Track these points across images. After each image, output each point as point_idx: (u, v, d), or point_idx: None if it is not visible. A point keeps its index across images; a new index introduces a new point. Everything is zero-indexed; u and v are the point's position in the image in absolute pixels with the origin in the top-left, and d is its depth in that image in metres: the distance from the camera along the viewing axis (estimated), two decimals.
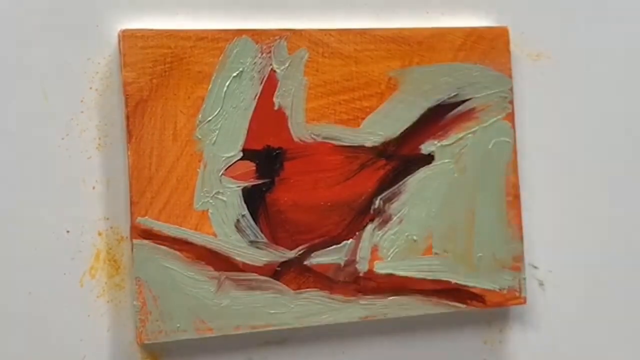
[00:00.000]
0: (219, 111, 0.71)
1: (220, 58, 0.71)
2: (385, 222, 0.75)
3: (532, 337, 0.82)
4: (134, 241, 0.69)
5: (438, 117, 0.77)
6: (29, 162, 0.69)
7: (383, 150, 0.75)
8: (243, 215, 0.71)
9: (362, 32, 0.75)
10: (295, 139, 0.73)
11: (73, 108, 0.70)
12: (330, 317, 0.73)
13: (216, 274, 0.71)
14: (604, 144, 0.84)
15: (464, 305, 0.77)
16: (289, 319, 0.72)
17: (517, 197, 0.79)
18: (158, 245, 0.69)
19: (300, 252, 0.73)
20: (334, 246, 0.74)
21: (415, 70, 0.75)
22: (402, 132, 0.76)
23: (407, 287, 0.75)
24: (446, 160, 0.77)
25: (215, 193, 0.71)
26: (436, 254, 0.76)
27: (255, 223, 0.72)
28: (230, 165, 0.71)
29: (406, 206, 0.76)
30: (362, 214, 0.75)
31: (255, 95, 0.72)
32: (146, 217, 0.69)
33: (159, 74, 0.70)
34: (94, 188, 0.70)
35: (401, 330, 0.77)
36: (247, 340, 0.73)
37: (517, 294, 0.78)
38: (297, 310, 0.72)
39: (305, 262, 0.73)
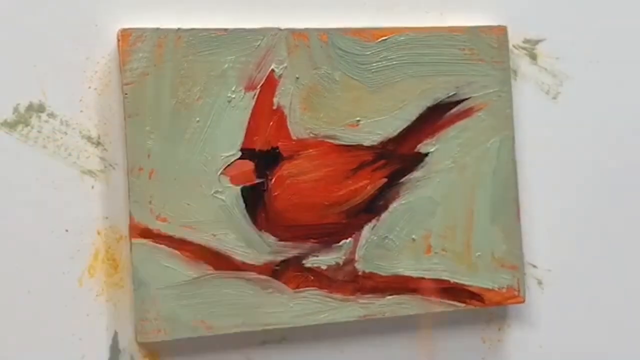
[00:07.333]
0: (218, 110, 0.71)
1: (220, 57, 0.71)
2: (384, 221, 0.75)
3: (531, 336, 0.82)
4: (133, 240, 0.69)
5: (437, 116, 0.77)
6: (28, 161, 0.69)
7: (382, 150, 0.75)
8: (242, 215, 0.71)
9: (362, 31, 0.75)
10: (294, 138, 0.73)
11: (72, 107, 0.70)
12: (329, 316, 0.73)
13: (215, 273, 0.71)
14: (603, 143, 0.84)
15: (462, 304, 0.77)
16: (288, 318, 0.72)
17: (515, 196, 0.79)
18: (157, 245, 0.69)
19: (299, 252, 0.73)
20: (333, 245, 0.74)
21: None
22: (400, 131, 0.76)
23: (405, 286, 0.75)
24: (445, 160, 0.77)
25: (214, 192, 0.71)
26: (435, 253, 0.76)
27: (254, 222, 0.72)
28: (229, 165, 0.71)
29: (405, 205, 0.76)
30: (361, 213, 0.75)
31: (255, 95, 0.72)
32: (145, 217, 0.69)
33: (157, 74, 0.70)
34: (93, 187, 0.70)
35: (400, 329, 0.77)
36: (246, 339, 0.73)
37: (516, 293, 0.78)
38: (296, 309, 0.72)
39: (304, 261, 0.73)
